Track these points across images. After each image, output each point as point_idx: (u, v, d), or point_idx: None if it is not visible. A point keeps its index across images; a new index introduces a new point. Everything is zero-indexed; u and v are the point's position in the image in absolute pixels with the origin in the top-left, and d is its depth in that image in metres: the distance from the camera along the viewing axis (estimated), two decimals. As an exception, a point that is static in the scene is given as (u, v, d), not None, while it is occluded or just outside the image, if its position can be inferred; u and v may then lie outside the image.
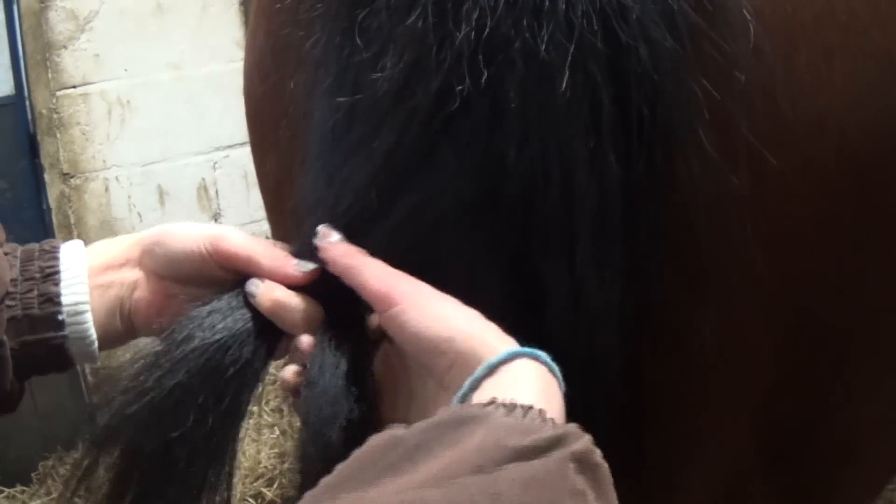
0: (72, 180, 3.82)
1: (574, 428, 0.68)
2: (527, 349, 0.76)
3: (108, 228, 3.94)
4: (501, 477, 0.61)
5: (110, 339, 0.97)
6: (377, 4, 0.87)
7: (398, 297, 0.82)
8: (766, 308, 0.93)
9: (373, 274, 0.84)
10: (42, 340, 0.91)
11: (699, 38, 0.82)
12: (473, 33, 0.81)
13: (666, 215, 0.85)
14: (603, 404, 0.89)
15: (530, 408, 0.69)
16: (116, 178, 3.91)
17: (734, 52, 0.82)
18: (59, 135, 3.74)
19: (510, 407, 0.69)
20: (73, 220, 3.86)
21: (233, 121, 3.97)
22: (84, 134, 3.79)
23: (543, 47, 0.79)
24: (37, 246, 0.96)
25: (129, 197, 3.95)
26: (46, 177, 3.77)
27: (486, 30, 0.80)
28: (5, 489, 3.84)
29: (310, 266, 0.90)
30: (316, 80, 0.93)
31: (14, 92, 3.75)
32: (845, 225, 0.90)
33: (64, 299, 0.92)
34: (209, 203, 4.10)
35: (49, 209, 3.82)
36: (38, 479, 3.88)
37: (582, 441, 0.67)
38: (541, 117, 0.81)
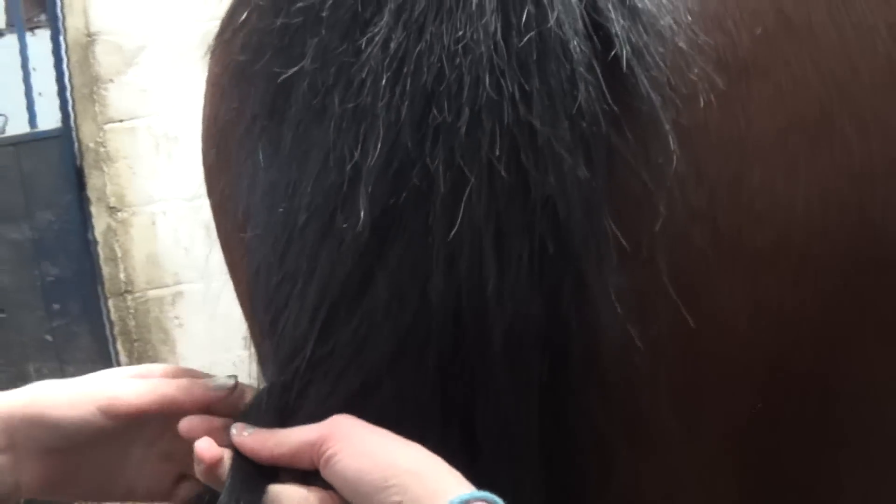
0: (118, 214, 3.83)
1: None
2: (482, 493, 0.70)
3: (155, 262, 3.94)
4: None
5: None
6: (290, 106, 0.79)
7: (330, 439, 0.75)
8: (701, 456, 0.83)
9: (300, 432, 0.77)
10: None
11: (618, 165, 0.72)
12: (374, 157, 0.73)
13: (575, 363, 0.76)
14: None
15: None
16: (163, 213, 3.91)
17: (660, 181, 0.72)
18: (105, 168, 3.76)
19: None
20: (119, 254, 3.87)
21: (279, 157, 3.95)
22: (131, 168, 3.80)
23: (441, 175, 0.71)
24: None
25: (176, 231, 3.94)
26: (93, 210, 3.79)
27: (385, 152, 0.73)
28: None
29: (227, 383, 0.86)
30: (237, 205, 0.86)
31: (62, 125, 3.79)
32: (799, 377, 0.79)
33: None
34: (252, 238, 4.08)
35: (95, 242, 3.84)
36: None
37: None
38: (445, 253, 0.73)
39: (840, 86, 0.74)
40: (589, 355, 0.76)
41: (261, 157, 0.81)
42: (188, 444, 0.82)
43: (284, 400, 0.81)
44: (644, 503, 0.85)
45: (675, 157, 0.72)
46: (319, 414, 0.77)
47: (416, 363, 0.77)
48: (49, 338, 3.96)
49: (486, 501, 0.70)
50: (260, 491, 0.78)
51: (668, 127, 0.72)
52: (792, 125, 0.75)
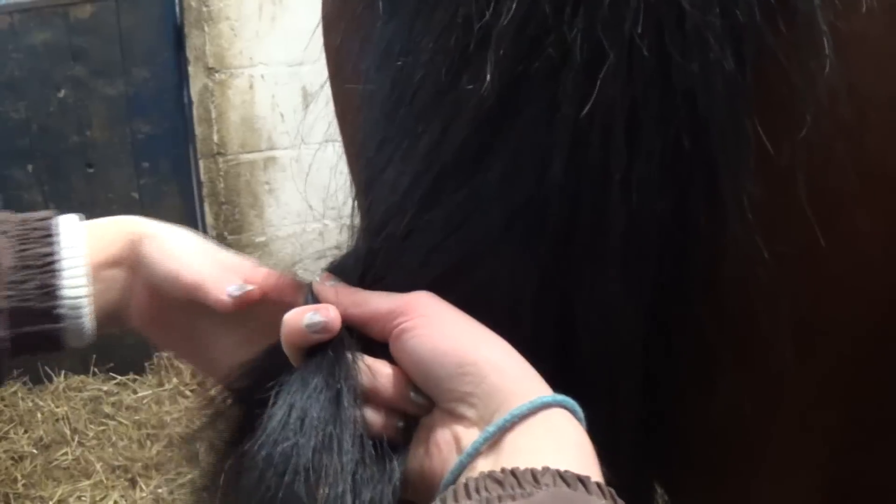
0: (216, 75, 3.81)
1: None
2: (562, 398, 0.66)
3: (249, 125, 3.94)
4: None
5: (104, 329, 0.93)
6: None
7: (410, 313, 0.71)
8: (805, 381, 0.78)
9: (380, 298, 0.73)
10: (39, 332, 0.89)
11: (768, 63, 0.66)
12: (507, 18, 0.67)
13: (694, 269, 0.72)
14: (623, 448, 0.79)
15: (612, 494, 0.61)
16: (262, 76, 3.89)
17: (809, 87, 0.65)
18: (207, 28, 3.72)
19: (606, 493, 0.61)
20: (214, 115, 3.86)
21: (386, 26, 3.92)
22: (233, 29, 3.77)
23: (579, 46, 0.65)
24: (34, 219, 0.92)
25: (273, 96, 3.92)
26: (190, 69, 3.77)
27: (520, 15, 0.67)
28: (118, 376, 3.95)
29: (243, 289, 0.87)
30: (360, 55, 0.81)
31: (163, -19, 3.75)
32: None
33: (64, 292, 0.89)
34: (349, 109, 4.05)
35: (191, 102, 3.83)
36: (151, 369, 3.99)
37: None
38: (572, 134, 0.68)
39: None
40: (710, 263, 0.71)
41: (381, 7, 0.76)
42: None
43: (370, 266, 0.77)
44: (738, 431, 0.81)
45: (827, 64, 0.65)
46: (404, 288, 0.73)
47: (520, 249, 0.72)
48: (136, 195, 3.98)
49: (564, 407, 0.66)
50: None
51: (824, 29, 0.65)
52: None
